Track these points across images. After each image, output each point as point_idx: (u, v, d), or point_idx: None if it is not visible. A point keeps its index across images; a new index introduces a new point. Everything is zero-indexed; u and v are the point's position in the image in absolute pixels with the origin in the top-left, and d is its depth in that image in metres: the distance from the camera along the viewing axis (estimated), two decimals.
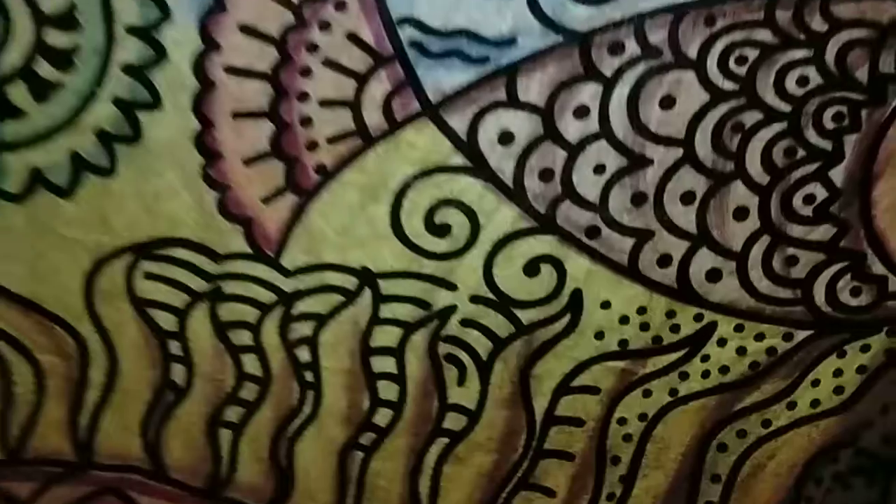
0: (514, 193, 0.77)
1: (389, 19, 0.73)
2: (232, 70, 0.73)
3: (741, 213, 0.78)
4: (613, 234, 0.78)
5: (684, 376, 0.83)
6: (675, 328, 0.81)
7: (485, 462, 0.85)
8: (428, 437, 0.84)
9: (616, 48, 0.74)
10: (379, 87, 0.74)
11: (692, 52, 0.74)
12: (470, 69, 0.74)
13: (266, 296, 0.79)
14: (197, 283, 0.78)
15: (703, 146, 0.76)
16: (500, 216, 0.77)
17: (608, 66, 0.74)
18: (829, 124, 0.76)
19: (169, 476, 0.83)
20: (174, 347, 0.80)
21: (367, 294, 0.79)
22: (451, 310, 0.80)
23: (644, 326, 0.81)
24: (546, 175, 0.77)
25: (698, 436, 0.85)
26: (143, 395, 0.81)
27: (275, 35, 0.73)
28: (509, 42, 0.74)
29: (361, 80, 0.74)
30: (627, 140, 0.76)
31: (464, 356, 0.82)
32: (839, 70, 0.74)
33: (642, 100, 0.75)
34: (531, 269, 0.79)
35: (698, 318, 0.81)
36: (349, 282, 0.79)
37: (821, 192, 0.77)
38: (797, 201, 0.78)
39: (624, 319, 0.81)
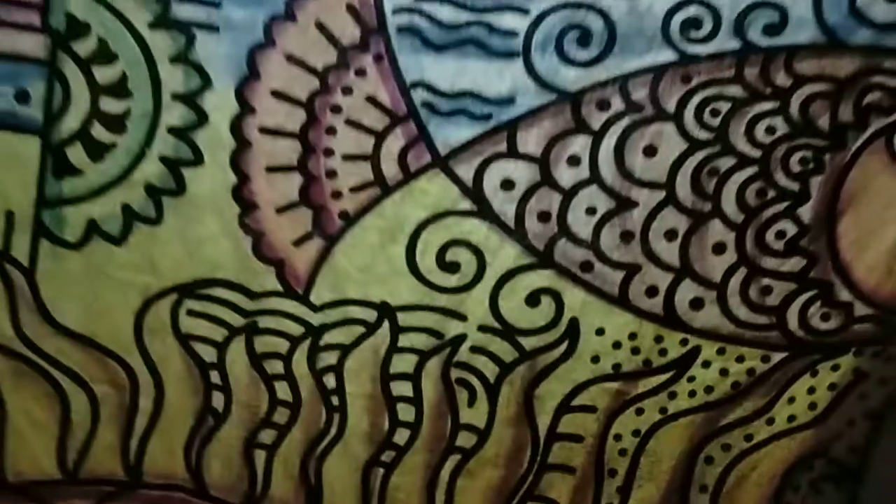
0: (516, 233, 0.81)
1: (403, 84, 0.78)
2: (265, 130, 0.78)
3: (719, 248, 0.81)
4: (605, 269, 0.82)
5: (673, 396, 0.85)
6: (663, 352, 0.84)
7: (494, 476, 0.88)
8: (442, 454, 0.87)
9: (603, 104, 0.78)
10: (395, 143, 0.79)
11: (671, 107, 0.78)
12: (475, 125, 0.79)
13: (296, 329, 0.83)
14: (234, 319, 0.83)
15: (683, 189, 0.80)
16: (504, 254, 0.81)
17: (596, 120, 0.79)
18: (795, 168, 0.80)
19: (209, 494, 0.87)
20: (214, 377, 0.84)
21: (386, 326, 0.83)
22: (461, 338, 0.84)
23: (635, 351, 0.84)
24: (544, 217, 0.81)
25: (687, 450, 0.87)
26: (187, 420, 0.85)
27: (303, 99, 0.78)
28: (509, 101, 0.78)
29: (379, 136, 0.79)
30: (615, 185, 0.80)
31: (474, 380, 0.85)
32: (803, 119, 0.79)
33: (627, 149, 0.79)
34: (532, 300, 0.83)
35: (684, 342, 0.84)
36: (370, 315, 0.83)
37: (791, 228, 0.81)
38: (770, 237, 0.81)
39: (617, 345, 0.84)
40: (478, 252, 0.82)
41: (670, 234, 0.81)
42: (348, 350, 0.84)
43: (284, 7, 0.76)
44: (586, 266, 0.82)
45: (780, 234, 0.81)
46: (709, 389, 0.85)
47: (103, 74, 0.77)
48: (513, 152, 0.79)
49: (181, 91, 0.78)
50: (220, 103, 0.78)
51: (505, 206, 0.81)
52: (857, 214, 0.81)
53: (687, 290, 0.82)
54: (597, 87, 0.78)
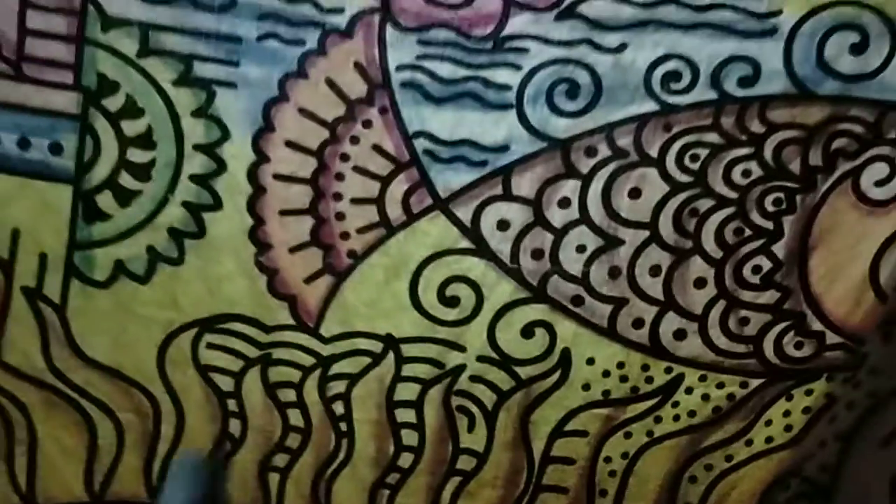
0: (511, 270, 0.83)
1: (406, 133, 0.81)
2: (279, 177, 0.81)
3: (700, 283, 0.84)
4: (595, 302, 0.84)
5: (659, 420, 0.87)
6: (649, 380, 0.86)
7: (492, 497, 0.90)
8: (444, 477, 0.89)
9: (591, 151, 0.81)
10: (399, 187, 0.82)
11: (654, 153, 0.81)
12: (473, 171, 0.81)
13: (307, 360, 0.86)
14: (250, 351, 0.85)
15: (666, 228, 0.82)
16: (500, 289, 0.84)
17: (585, 165, 0.81)
18: (769, 208, 0.82)
19: None
20: (231, 405, 0.87)
21: (391, 356, 0.86)
22: (461, 368, 0.86)
23: (623, 378, 0.86)
24: (537, 254, 0.83)
25: (672, 470, 0.89)
26: (206, 445, 0.88)
27: (314, 148, 0.81)
28: (504, 149, 0.81)
29: (385, 181, 0.82)
30: (603, 225, 0.82)
31: (473, 407, 0.87)
32: (776, 163, 0.81)
33: (614, 192, 0.81)
34: (527, 332, 0.85)
35: (668, 370, 0.86)
36: (376, 346, 0.85)
37: (766, 264, 0.83)
38: (747, 271, 0.83)
39: (606, 373, 0.86)
40: (476, 288, 0.84)
41: (655, 270, 0.83)
42: (356, 379, 0.86)
43: (297, 65, 0.79)
44: (577, 300, 0.84)
45: (757, 269, 0.83)
46: (692, 414, 0.87)
47: (131, 128, 0.80)
48: (508, 195, 0.82)
49: (202, 142, 0.81)
50: (238, 153, 0.81)
51: (501, 244, 0.83)
52: (827, 251, 0.83)
53: (671, 322, 0.84)
54: (585, 136, 0.80)
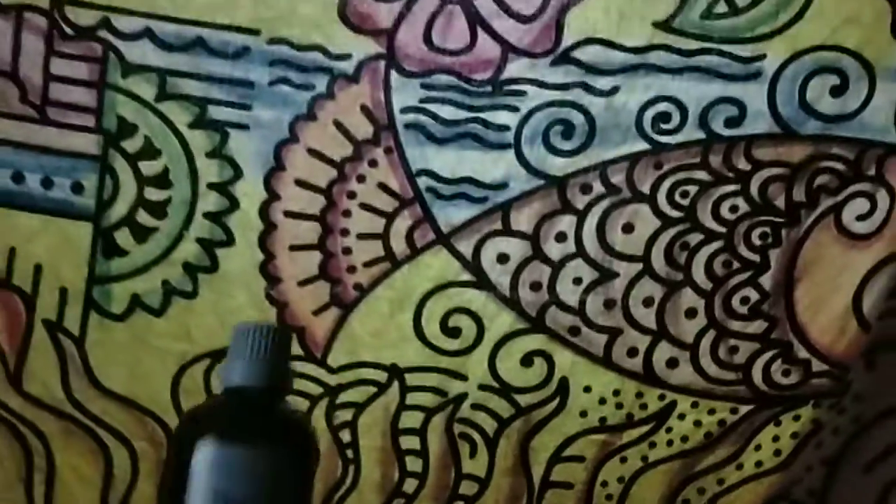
0: (511, 302, 0.85)
1: (410, 172, 0.83)
2: (289, 214, 0.83)
3: (691, 313, 0.85)
4: (591, 332, 0.85)
5: (653, 445, 0.88)
6: (643, 406, 0.87)
7: None
8: (447, 501, 0.89)
9: (586, 188, 0.83)
10: (403, 223, 0.84)
11: (645, 190, 0.83)
12: (473, 207, 0.83)
13: (315, 389, 0.86)
14: None
15: (658, 261, 0.84)
16: (500, 320, 0.85)
17: (580, 201, 0.83)
18: (756, 241, 0.83)
19: None
20: None
21: (395, 385, 0.86)
22: (463, 396, 0.87)
23: (619, 406, 0.87)
24: (535, 287, 0.85)
25: (666, 494, 0.89)
26: None
27: (323, 186, 0.83)
28: (503, 186, 0.83)
29: (389, 218, 0.84)
30: (598, 258, 0.84)
31: (474, 434, 0.88)
32: (762, 199, 0.82)
33: (608, 227, 0.83)
34: (526, 361, 0.86)
35: (662, 397, 0.87)
36: (381, 376, 0.86)
37: (754, 295, 0.84)
38: (735, 302, 0.85)
39: (602, 400, 0.86)
40: (477, 319, 0.85)
41: (648, 301, 0.85)
42: (362, 408, 0.87)
43: (307, 108, 0.82)
44: (574, 330, 0.85)
45: (745, 300, 0.84)
46: (685, 439, 0.88)
47: (148, 168, 0.83)
48: (507, 230, 0.83)
49: (216, 181, 0.83)
50: (250, 191, 0.83)
51: (501, 277, 0.84)
52: (812, 282, 0.84)
53: (663, 351, 0.85)
54: (580, 173, 0.82)
